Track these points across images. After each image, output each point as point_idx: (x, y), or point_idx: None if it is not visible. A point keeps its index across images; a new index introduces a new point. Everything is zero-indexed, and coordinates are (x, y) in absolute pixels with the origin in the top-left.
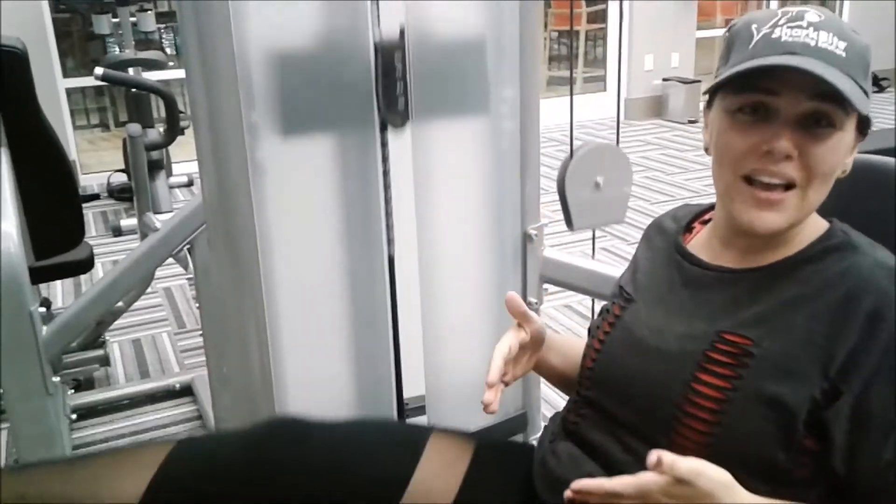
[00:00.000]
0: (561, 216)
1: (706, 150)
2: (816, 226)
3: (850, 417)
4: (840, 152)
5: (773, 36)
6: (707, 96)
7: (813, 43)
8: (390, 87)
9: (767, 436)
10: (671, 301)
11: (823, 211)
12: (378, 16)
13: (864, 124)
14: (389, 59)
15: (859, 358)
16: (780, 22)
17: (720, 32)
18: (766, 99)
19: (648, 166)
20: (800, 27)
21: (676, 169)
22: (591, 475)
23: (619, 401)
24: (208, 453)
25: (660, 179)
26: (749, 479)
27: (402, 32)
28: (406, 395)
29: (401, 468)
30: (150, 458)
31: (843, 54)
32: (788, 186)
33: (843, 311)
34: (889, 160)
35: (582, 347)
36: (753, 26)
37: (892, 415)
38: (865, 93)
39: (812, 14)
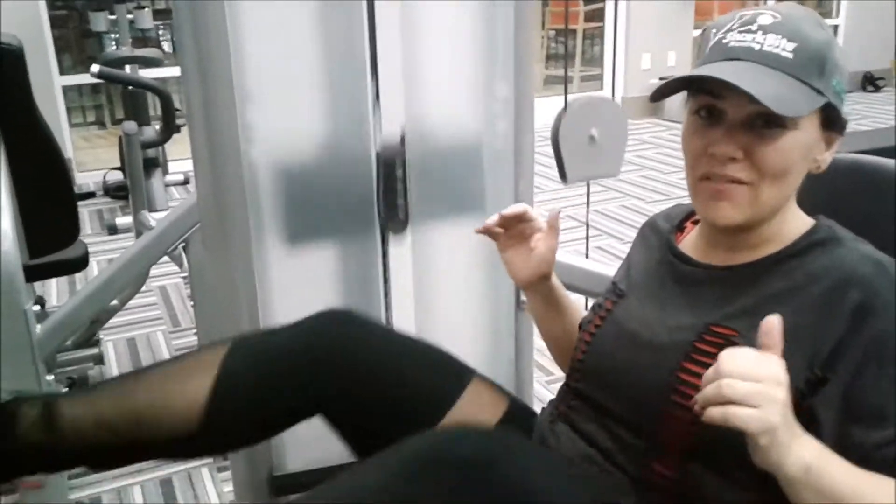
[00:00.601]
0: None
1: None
2: (802, 222)
3: (838, 404)
4: (793, 152)
5: (724, 41)
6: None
7: (758, 47)
8: (391, 193)
9: None
10: (663, 297)
11: (822, 212)
12: (380, 121)
13: (832, 121)
14: (390, 165)
15: (846, 348)
16: (734, 26)
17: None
18: (714, 102)
19: (644, 165)
20: (749, 31)
21: (672, 168)
22: (590, 456)
23: (608, 392)
24: (263, 346)
25: (656, 178)
26: (736, 468)
27: (402, 138)
28: None
29: (445, 395)
30: (211, 358)
31: (790, 56)
32: (740, 182)
33: (829, 303)
34: (889, 162)
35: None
36: (713, 31)
37: (879, 401)
38: (819, 91)
39: (766, 16)
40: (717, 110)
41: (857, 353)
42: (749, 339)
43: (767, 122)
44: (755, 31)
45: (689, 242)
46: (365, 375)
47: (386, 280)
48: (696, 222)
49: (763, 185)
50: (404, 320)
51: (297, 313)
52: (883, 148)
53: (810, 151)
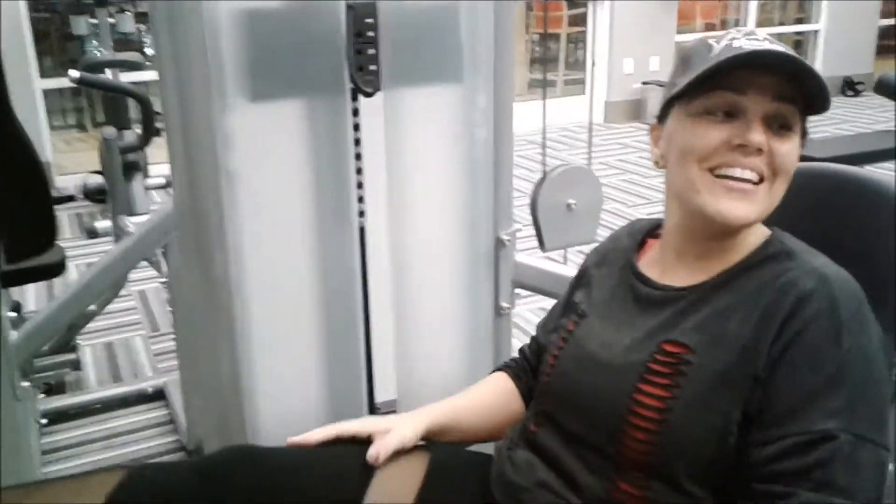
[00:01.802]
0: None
1: (656, 163)
2: (759, 234)
3: (759, 399)
4: (796, 154)
5: (735, 45)
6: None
7: (773, 48)
8: (362, 52)
9: (707, 441)
10: (621, 317)
11: (822, 227)
12: None
13: (804, 133)
14: (361, 24)
15: (773, 349)
16: (737, 36)
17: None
18: (734, 98)
19: (626, 169)
20: (756, 39)
21: (654, 172)
22: (545, 482)
23: (570, 413)
24: (159, 482)
25: (637, 182)
26: (691, 482)
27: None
28: (377, 399)
29: (354, 485)
30: (97, 487)
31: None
32: (758, 182)
33: (770, 312)
34: (888, 177)
35: (479, 404)
36: (711, 41)
37: (781, 408)
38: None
39: (761, 33)
40: (734, 106)
41: (775, 357)
42: (701, 354)
43: (783, 124)
44: (762, 40)
45: (650, 260)
46: None
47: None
48: (656, 237)
49: (777, 182)
50: (377, 191)
51: (272, 317)
52: (865, 152)
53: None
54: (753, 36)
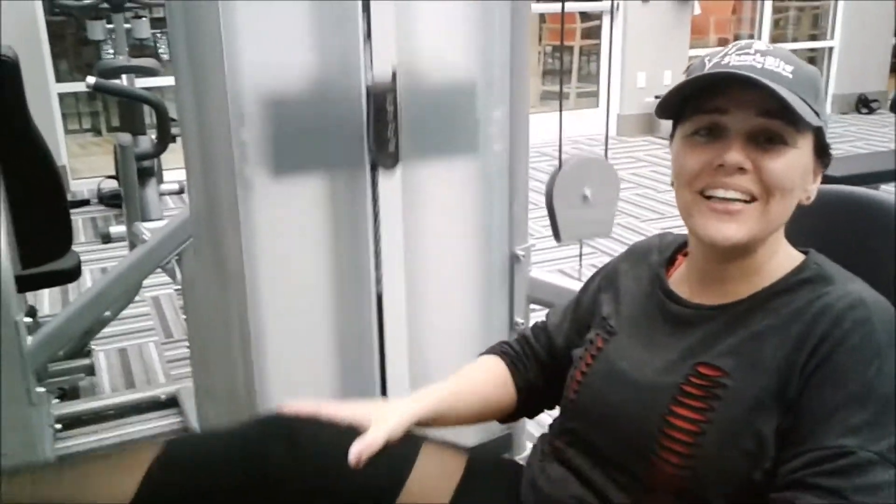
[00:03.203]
0: (549, 232)
1: (672, 183)
2: (791, 257)
3: (790, 420)
4: (796, 170)
5: (722, 63)
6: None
7: (759, 66)
8: (381, 130)
9: (740, 465)
10: (652, 335)
11: (822, 246)
12: (371, 58)
13: (822, 151)
14: (381, 101)
15: (805, 371)
16: (730, 52)
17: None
18: (716, 118)
19: (639, 183)
20: (748, 54)
21: (667, 186)
22: (580, 498)
23: (599, 432)
24: (198, 452)
25: (650, 196)
26: (725, 502)
27: (393, 75)
28: None
29: (393, 476)
30: (139, 459)
31: (790, 76)
32: (749, 200)
33: (803, 338)
34: (888, 196)
35: (471, 386)
36: (706, 59)
37: (819, 414)
38: (817, 113)
39: (760, 44)
40: (718, 128)
41: (806, 377)
42: (736, 378)
43: (770, 138)
44: (753, 54)
45: (679, 278)
46: (300, 485)
47: (376, 216)
48: (686, 254)
49: (771, 200)
50: (393, 248)
51: (286, 327)
52: (882, 171)
53: (806, 175)
54: (745, 50)
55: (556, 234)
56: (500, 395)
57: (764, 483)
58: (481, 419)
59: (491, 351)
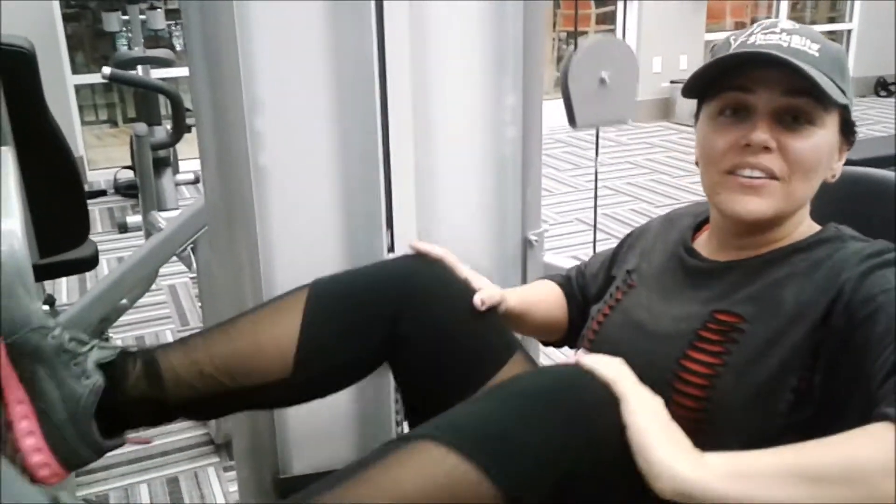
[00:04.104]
0: (562, 219)
1: (696, 163)
2: (811, 227)
3: (854, 347)
4: (822, 150)
5: (749, 42)
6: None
7: (786, 45)
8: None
9: (755, 405)
10: (671, 288)
11: (823, 222)
12: (388, 129)
13: (848, 129)
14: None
15: (837, 306)
16: (756, 31)
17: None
18: (742, 97)
19: (654, 168)
20: (773, 33)
21: (682, 172)
22: None
23: None
24: (345, 283)
25: (665, 182)
26: (740, 446)
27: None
28: None
29: (495, 359)
30: (294, 301)
31: (817, 54)
32: (773, 178)
33: (826, 280)
34: (889, 174)
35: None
36: (731, 38)
37: (881, 328)
38: (843, 91)
39: (786, 23)
40: (744, 107)
41: (850, 306)
42: (754, 324)
43: (796, 117)
44: (779, 33)
45: (702, 241)
46: (439, 322)
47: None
48: None
49: (794, 179)
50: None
51: None
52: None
53: (832, 154)
54: (771, 29)
55: (572, 120)
56: (558, 317)
57: (780, 426)
58: (540, 333)
59: (549, 277)
